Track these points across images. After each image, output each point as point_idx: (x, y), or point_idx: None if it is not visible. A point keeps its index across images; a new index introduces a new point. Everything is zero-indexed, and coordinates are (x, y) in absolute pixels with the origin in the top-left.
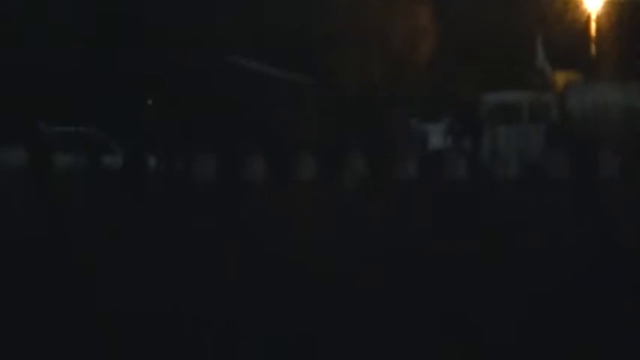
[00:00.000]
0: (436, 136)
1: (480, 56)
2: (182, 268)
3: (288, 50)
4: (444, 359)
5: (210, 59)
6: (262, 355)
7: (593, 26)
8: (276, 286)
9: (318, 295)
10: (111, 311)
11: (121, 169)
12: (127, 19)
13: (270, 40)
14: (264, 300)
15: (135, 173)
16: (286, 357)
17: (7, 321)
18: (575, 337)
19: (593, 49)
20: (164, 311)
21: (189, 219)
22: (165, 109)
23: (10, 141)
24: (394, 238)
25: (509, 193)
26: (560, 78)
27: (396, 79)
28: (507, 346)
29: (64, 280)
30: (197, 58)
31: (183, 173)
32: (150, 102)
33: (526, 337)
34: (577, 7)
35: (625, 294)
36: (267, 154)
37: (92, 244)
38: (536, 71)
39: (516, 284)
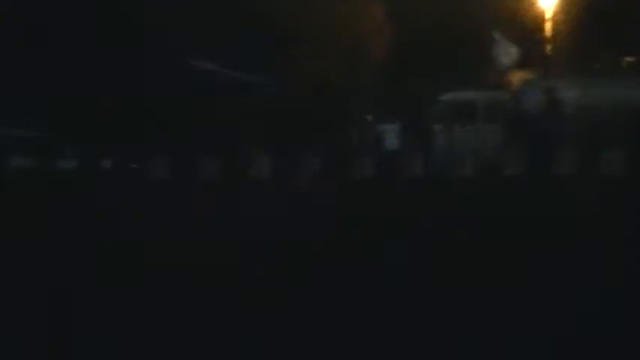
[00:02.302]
0: (391, 136)
1: (435, 55)
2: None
3: (242, 50)
4: None
5: (165, 60)
6: None
7: (547, 25)
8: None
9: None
10: None
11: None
12: (78, 17)
13: (223, 41)
14: None
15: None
16: None
17: None
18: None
19: (547, 47)
20: None
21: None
22: (118, 110)
23: None
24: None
25: (464, 190)
26: (516, 77)
27: (350, 78)
28: None
29: None
30: (151, 60)
31: (137, 174)
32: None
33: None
34: (531, 5)
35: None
36: (221, 153)
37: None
38: (492, 69)
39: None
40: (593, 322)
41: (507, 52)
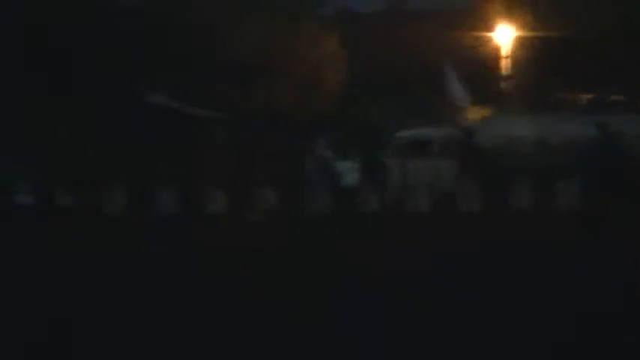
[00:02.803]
0: (347, 172)
1: (393, 91)
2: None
3: (196, 85)
4: None
5: (119, 94)
6: None
7: (504, 62)
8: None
9: None
10: None
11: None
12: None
13: (177, 75)
14: None
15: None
16: None
17: None
18: None
19: (503, 84)
20: None
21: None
22: (72, 143)
23: None
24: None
25: (419, 225)
26: (474, 113)
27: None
28: None
29: None
30: (105, 93)
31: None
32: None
33: None
34: (488, 42)
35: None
36: (176, 188)
37: None
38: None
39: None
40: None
41: (463, 89)
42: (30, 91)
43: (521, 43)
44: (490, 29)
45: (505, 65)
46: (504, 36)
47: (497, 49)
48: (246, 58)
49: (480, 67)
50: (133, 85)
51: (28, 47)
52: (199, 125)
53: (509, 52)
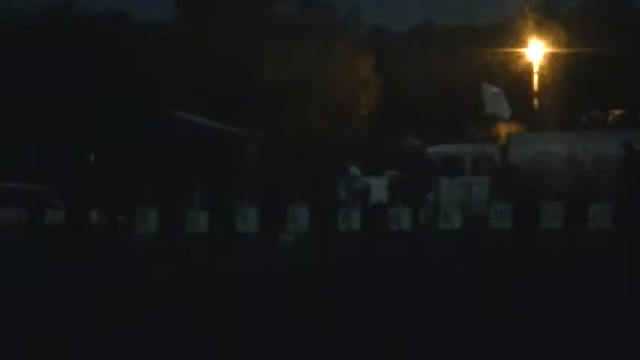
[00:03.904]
0: (378, 189)
1: (424, 110)
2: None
3: (231, 104)
4: None
5: (155, 113)
6: None
7: (534, 78)
8: None
9: None
10: None
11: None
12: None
13: (213, 94)
14: None
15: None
16: None
17: None
18: None
19: (535, 100)
20: None
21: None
22: (107, 162)
23: None
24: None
25: (451, 244)
26: (503, 129)
27: (337, 133)
28: None
29: None
30: (141, 112)
31: (125, 227)
32: (92, 156)
33: None
34: (519, 59)
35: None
36: (209, 206)
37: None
38: (480, 123)
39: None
40: None
41: (496, 105)
42: (68, 117)
43: (553, 60)
44: (522, 45)
45: (537, 82)
46: (536, 52)
47: (529, 66)
48: (279, 82)
49: (512, 83)
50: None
51: (64, 76)
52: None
53: (540, 69)
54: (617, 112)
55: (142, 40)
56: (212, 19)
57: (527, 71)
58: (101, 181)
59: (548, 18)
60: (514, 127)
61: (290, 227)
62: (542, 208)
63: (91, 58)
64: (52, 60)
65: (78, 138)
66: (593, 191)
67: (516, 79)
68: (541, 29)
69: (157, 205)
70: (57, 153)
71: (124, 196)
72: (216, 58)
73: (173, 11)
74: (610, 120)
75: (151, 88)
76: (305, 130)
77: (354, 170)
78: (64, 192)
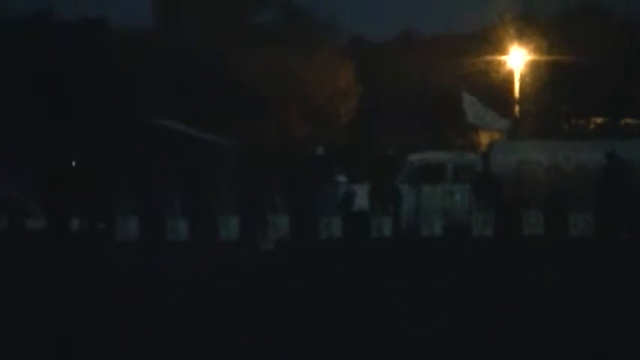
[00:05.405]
0: (361, 197)
1: (405, 117)
2: None
3: (212, 112)
4: None
5: (135, 120)
6: None
7: (516, 86)
8: None
9: None
10: None
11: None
12: (52, 78)
13: (193, 102)
14: None
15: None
16: None
17: None
18: None
19: (516, 108)
20: None
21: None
22: (88, 168)
23: None
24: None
25: (432, 251)
26: (485, 137)
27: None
28: None
29: None
30: (121, 119)
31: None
32: (74, 163)
33: None
34: (501, 66)
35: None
36: (190, 214)
37: None
38: (461, 131)
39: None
40: None
41: (476, 113)
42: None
43: (534, 67)
44: (503, 53)
45: (518, 89)
46: (517, 60)
47: (510, 73)
48: (259, 88)
49: (493, 91)
50: (146, 110)
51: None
52: (213, 151)
53: (522, 76)
54: (599, 119)
55: (121, 48)
56: (192, 26)
57: (509, 79)
58: (80, 187)
59: (529, 26)
60: (496, 135)
61: (271, 235)
62: (523, 216)
63: (70, 63)
64: (30, 65)
65: (56, 144)
66: (574, 199)
67: (497, 87)
68: (522, 37)
69: (137, 213)
70: (34, 159)
71: (104, 203)
72: (196, 65)
73: (152, 19)
74: (592, 128)
75: (130, 95)
76: (285, 137)
77: (340, 176)
78: (41, 199)
